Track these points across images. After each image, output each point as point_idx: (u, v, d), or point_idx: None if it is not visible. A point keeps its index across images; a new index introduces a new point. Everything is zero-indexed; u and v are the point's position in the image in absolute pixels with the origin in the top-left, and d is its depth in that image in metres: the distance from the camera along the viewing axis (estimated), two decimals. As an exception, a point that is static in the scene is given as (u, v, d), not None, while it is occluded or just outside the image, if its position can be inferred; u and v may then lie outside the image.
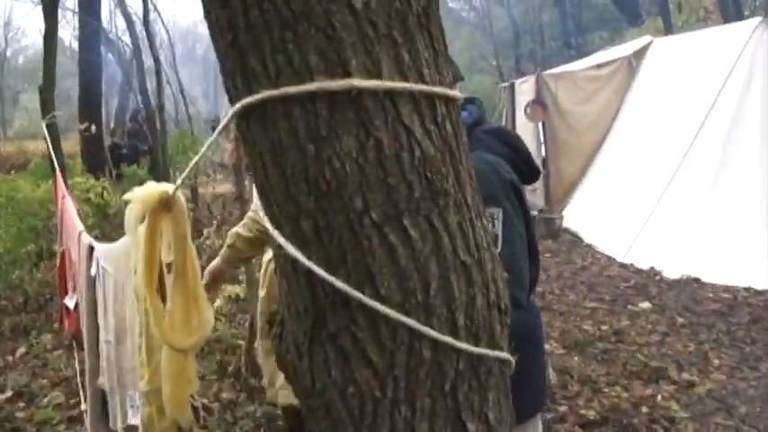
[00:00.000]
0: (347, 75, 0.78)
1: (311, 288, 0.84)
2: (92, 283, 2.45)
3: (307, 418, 0.95)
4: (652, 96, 7.61)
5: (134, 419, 1.62)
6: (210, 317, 1.27)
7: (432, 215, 0.83)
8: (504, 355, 0.92)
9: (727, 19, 10.81)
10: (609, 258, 6.75)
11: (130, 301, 1.59)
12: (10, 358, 4.74)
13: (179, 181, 1.20)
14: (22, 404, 4.04)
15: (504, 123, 10.09)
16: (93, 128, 7.23)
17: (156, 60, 5.66)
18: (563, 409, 3.59)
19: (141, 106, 7.28)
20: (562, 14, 18.87)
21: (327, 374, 0.87)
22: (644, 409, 3.64)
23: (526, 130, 9.06)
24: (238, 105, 0.82)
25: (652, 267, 6.28)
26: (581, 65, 9.00)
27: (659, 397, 3.80)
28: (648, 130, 7.40)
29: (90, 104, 8.10)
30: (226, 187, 11.58)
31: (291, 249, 0.82)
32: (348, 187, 0.80)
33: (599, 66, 8.42)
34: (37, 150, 14.60)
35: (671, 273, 6.10)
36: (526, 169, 1.95)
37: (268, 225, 0.85)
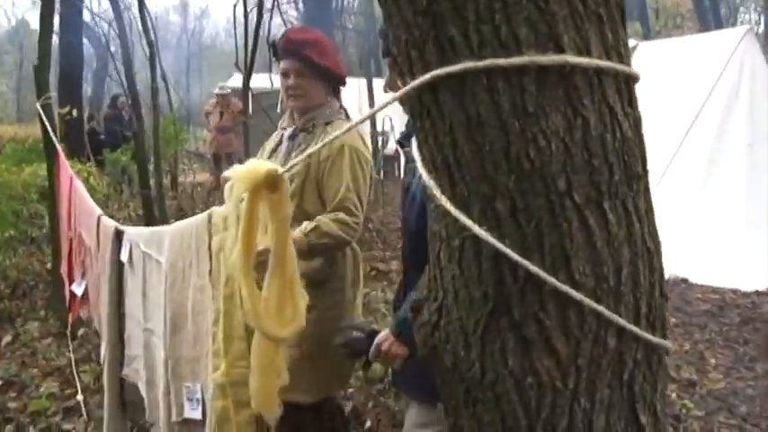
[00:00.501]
0: (559, 50, 0.74)
1: (498, 273, 0.80)
2: (117, 269, 2.36)
3: (455, 410, 0.91)
4: (638, 99, 7.69)
5: (192, 413, 1.54)
6: (304, 307, 1.21)
7: (626, 199, 0.80)
8: (671, 345, 0.90)
9: (705, 26, 11.01)
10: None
11: (193, 287, 1.52)
12: (-3, 346, 4.57)
13: (292, 162, 1.15)
14: (12, 394, 3.89)
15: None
16: (75, 112, 7.01)
17: (151, 44, 5.50)
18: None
19: (127, 92, 7.08)
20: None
21: (503, 364, 0.83)
22: (648, 407, 3.67)
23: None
24: (428, 75, 0.78)
25: (640, 267, 6.35)
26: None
27: (662, 395, 3.83)
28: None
29: (70, 88, 7.86)
30: (204, 176, 11.41)
31: (480, 231, 0.78)
32: (552, 167, 0.76)
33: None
34: (5, 134, 14.18)
35: (658, 273, 6.18)
36: None
37: (448, 205, 0.80)
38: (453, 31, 0.75)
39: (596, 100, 0.76)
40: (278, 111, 11.39)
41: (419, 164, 0.86)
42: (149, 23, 5.63)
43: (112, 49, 12.70)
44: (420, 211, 1.95)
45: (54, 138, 3.84)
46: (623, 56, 0.79)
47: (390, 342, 1.68)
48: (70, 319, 3.34)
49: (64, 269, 3.56)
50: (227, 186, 1.17)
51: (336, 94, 2.55)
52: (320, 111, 2.45)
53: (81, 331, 4.26)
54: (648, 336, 0.83)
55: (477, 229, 0.78)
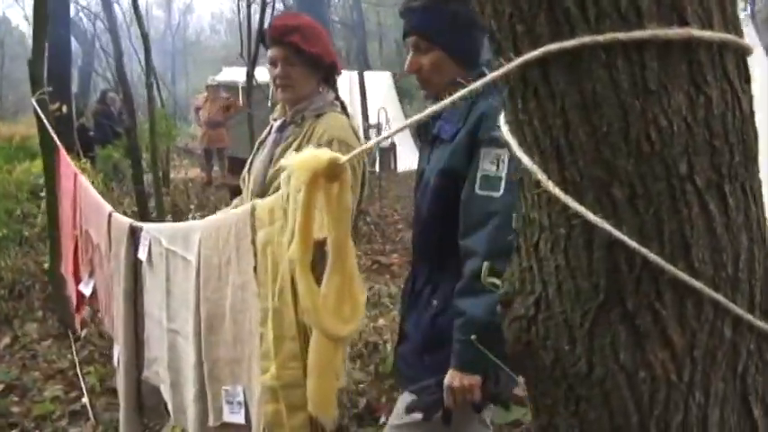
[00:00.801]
0: (683, 23, 0.69)
1: (612, 262, 0.75)
2: (132, 267, 2.29)
3: (550, 409, 0.87)
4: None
5: (233, 416, 1.48)
6: (363, 304, 1.16)
7: (745, 182, 0.76)
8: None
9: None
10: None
11: (232, 285, 1.46)
12: (-6, 349, 4.47)
13: (356, 151, 1.10)
14: (15, 398, 3.81)
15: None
16: (65, 108, 6.88)
17: (145, 38, 5.38)
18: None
19: (118, 87, 6.96)
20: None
21: (614, 358, 0.78)
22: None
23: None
24: (538, 51, 0.73)
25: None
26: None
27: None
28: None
29: (59, 84, 7.70)
30: (195, 172, 11.29)
31: (595, 218, 0.73)
32: (674, 149, 0.71)
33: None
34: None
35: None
36: None
37: (557, 192, 0.76)
38: (569, 3, 0.70)
39: (718, 76, 0.72)
40: (269, 104, 11.29)
41: (515, 147, 0.81)
42: (142, 17, 5.52)
43: (97, 44, 12.53)
44: (432, 198, 1.92)
45: (54, 134, 3.74)
46: (739, 29, 0.75)
47: (459, 378, 1.66)
48: (77, 320, 3.26)
49: (68, 269, 3.47)
50: (283, 176, 1.11)
51: (331, 84, 2.46)
52: (310, 102, 2.37)
53: (84, 332, 4.17)
54: (763, 325, 0.79)
55: (591, 216, 0.74)
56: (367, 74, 10.70)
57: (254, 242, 1.35)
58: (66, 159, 3.44)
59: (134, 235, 2.29)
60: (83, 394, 3.75)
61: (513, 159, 1.70)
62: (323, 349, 1.17)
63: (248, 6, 6.96)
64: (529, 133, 0.79)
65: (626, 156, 0.72)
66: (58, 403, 3.71)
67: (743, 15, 6.47)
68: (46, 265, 5.43)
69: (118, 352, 2.49)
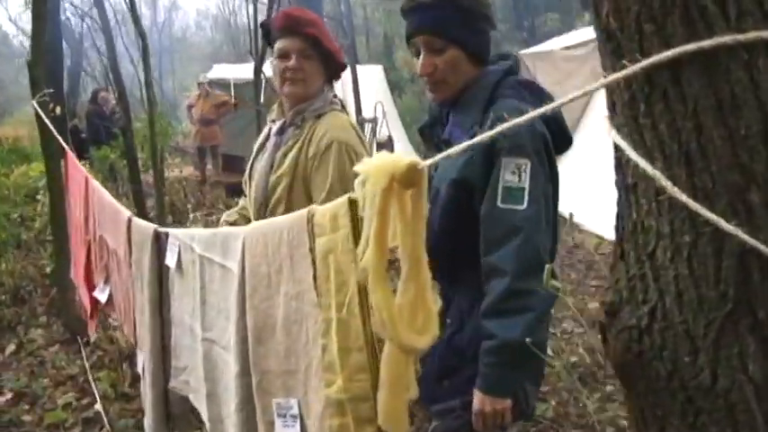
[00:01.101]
0: (830, 19, 0.66)
1: (743, 271, 0.72)
2: (157, 274, 2.24)
3: (662, 420, 0.84)
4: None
5: (286, 430, 1.44)
6: (436, 315, 1.12)
7: None
8: None
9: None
10: (598, 237, 6.81)
11: (284, 294, 1.41)
12: (0, 357, 4.40)
13: (438, 157, 1.06)
14: (25, 406, 3.74)
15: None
16: (59, 109, 6.78)
17: (143, 36, 5.29)
18: (609, 389, 3.57)
19: (113, 86, 6.86)
20: (514, -4, 19.02)
21: (741, 370, 0.75)
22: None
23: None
24: (670, 52, 0.69)
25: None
26: (555, 45, 9.03)
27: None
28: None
29: (52, 85, 7.56)
30: (188, 171, 11.19)
31: (728, 226, 0.70)
32: (817, 152, 0.68)
33: (575, 46, 8.47)
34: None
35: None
36: (558, 132, 1.80)
37: (684, 198, 0.72)
38: (707, 1, 0.66)
39: None
40: (261, 101, 11.19)
41: (630, 152, 0.77)
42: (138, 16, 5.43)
43: (87, 44, 12.36)
44: (443, 211, 1.78)
45: (60, 138, 3.67)
46: None
47: (491, 403, 1.62)
48: (90, 327, 3.20)
49: (78, 274, 3.41)
50: (357, 181, 1.07)
51: (332, 84, 2.38)
52: (310, 103, 2.28)
53: (93, 337, 4.10)
54: None
55: (724, 224, 0.70)
56: (359, 68, 10.61)
57: (311, 250, 1.30)
58: (74, 163, 3.37)
59: (158, 241, 2.24)
60: (95, 401, 3.70)
61: (538, 169, 1.65)
62: (395, 362, 1.13)
63: (254, 1, 6.86)
64: (651, 137, 0.75)
65: (765, 159, 0.68)
66: (70, 411, 3.65)
67: None
68: (48, 270, 5.36)
69: (143, 360, 2.44)
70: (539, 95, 1.82)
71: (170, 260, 2.09)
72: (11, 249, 5.63)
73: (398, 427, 1.16)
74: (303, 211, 1.34)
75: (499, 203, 1.62)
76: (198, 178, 10.44)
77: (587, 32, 8.89)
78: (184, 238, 1.99)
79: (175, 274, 2.08)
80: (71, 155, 3.46)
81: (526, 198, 1.62)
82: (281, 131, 2.33)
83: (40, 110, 4.04)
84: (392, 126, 9.61)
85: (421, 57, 1.80)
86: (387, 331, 1.08)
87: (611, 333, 0.86)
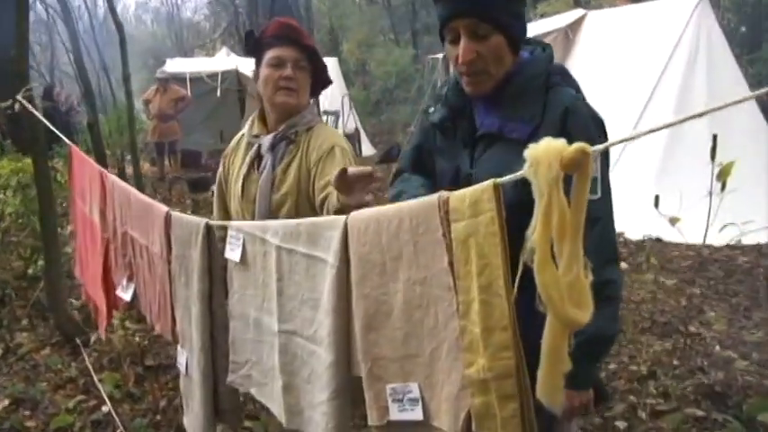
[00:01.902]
0: None
1: None
2: (208, 269, 2.22)
3: None
4: (591, 68, 7.91)
5: (407, 414, 1.45)
6: (590, 290, 1.17)
7: None
8: None
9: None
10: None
11: (405, 281, 1.43)
12: (-13, 361, 4.22)
13: (603, 145, 1.11)
14: (26, 412, 3.61)
15: (437, 96, 10.16)
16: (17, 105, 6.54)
17: (120, 27, 5.12)
18: (612, 366, 3.70)
19: (78, 80, 6.63)
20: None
21: None
22: (675, 362, 3.83)
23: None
24: None
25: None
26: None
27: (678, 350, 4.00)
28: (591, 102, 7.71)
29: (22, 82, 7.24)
30: (145, 167, 10.91)
31: None
32: None
33: (536, 37, 8.63)
34: None
35: (633, 234, 6.42)
36: None
37: None
38: None
39: None
40: (218, 94, 10.99)
41: None
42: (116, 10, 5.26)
43: (32, 37, 11.84)
44: (510, 203, 1.53)
45: (58, 132, 3.56)
46: None
47: (578, 397, 1.64)
48: (103, 327, 3.11)
49: (86, 273, 3.31)
50: (528, 168, 1.10)
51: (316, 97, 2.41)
52: (302, 116, 2.29)
53: (93, 337, 4.00)
54: None
55: None
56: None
57: (444, 235, 1.33)
58: (83, 158, 3.26)
59: (209, 233, 2.21)
60: (100, 403, 3.61)
61: (604, 158, 1.64)
62: (556, 336, 1.18)
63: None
64: None
65: None
66: (76, 414, 3.55)
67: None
68: (25, 271, 5.17)
69: (186, 357, 2.40)
70: (574, 82, 1.81)
71: (231, 253, 2.07)
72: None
73: (555, 398, 1.21)
74: (432, 198, 1.36)
75: None
76: (156, 174, 10.20)
77: (550, 23, 9.11)
78: (252, 230, 1.98)
79: (238, 267, 2.06)
80: (77, 150, 3.35)
81: (599, 188, 1.62)
82: (272, 147, 2.29)
83: (28, 105, 3.91)
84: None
85: (462, 42, 1.62)
86: (555, 309, 1.12)
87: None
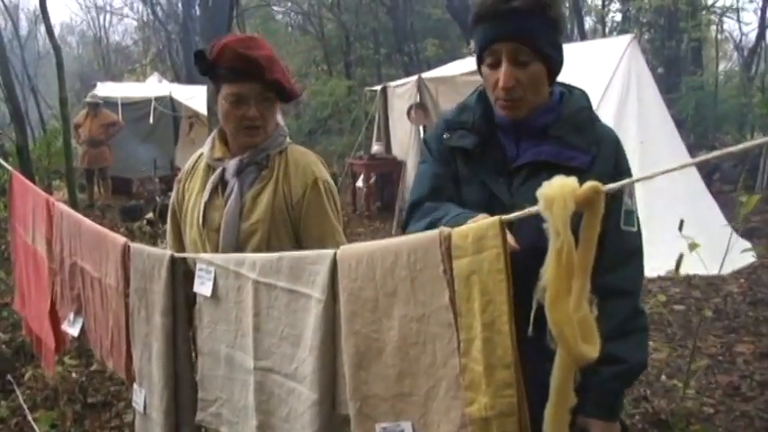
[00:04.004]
0: None
1: None
2: (172, 303, 2.13)
3: None
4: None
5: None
6: (595, 325, 1.20)
7: None
8: None
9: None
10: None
11: (401, 317, 1.40)
12: None
13: (617, 185, 1.13)
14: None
15: (376, 127, 10.24)
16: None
17: (57, 49, 4.91)
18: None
19: (7, 103, 6.34)
20: (395, 21, 19.52)
21: None
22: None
23: (404, 133, 9.29)
24: None
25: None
26: (456, 70, 9.39)
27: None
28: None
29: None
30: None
31: None
32: None
33: (475, 71, 8.82)
34: None
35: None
36: None
37: None
38: None
39: None
40: (150, 121, 10.74)
41: None
42: (50, 26, 5.06)
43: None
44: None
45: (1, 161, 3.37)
46: None
47: (610, 428, 1.63)
48: (51, 362, 2.93)
49: (28, 306, 3.13)
50: (543, 205, 1.12)
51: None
52: (272, 139, 2.16)
53: (28, 374, 3.77)
54: None
55: None
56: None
57: (445, 272, 1.32)
58: (25, 184, 3.10)
59: (174, 266, 2.13)
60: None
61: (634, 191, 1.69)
62: (566, 372, 1.19)
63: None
64: None
65: None
66: (3, 457, 3.32)
67: (630, 37, 7.08)
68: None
69: (144, 396, 2.29)
70: None
71: (201, 288, 1.99)
72: None
73: None
74: (432, 234, 1.35)
75: (622, 226, 1.62)
76: (85, 201, 9.81)
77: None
78: (225, 264, 1.91)
79: (209, 302, 1.98)
80: (20, 177, 3.18)
81: (635, 220, 1.65)
82: (238, 172, 2.15)
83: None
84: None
85: (503, 67, 1.60)
86: (567, 345, 1.13)
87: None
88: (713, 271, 5.48)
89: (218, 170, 2.17)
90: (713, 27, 17.98)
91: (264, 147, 2.14)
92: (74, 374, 4.01)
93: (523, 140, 1.74)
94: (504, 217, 1.24)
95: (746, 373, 4.29)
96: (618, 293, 1.63)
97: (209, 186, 2.18)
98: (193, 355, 2.17)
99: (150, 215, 8.01)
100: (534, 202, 1.76)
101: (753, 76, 15.93)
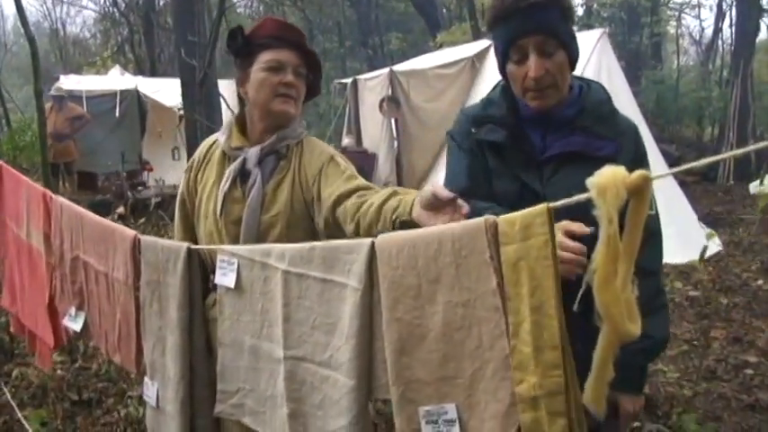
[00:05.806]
0: None
1: None
2: (188, 295, 2.14)
3: None
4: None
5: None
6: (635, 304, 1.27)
7: None
8: None
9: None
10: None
11: (445, 303, 1.45)
12: None
13: (666, 173, 1.19)
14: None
15: (346, 120, 10.25)
16: None
17: (32, 41, 4.79)
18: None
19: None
20: (359, 15, 19.50)
21: None
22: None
23: (375, 126, 9.32)
24: None
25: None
26: (427, 63, 9.46)
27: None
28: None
29: None
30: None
31: None
32: None
33: (446, 65, 8.93)
34: None
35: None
36: None
37: None
38: None
39: None
40: (116, 115, 10.56)
41: None
42: (24, 18, 4.94)
43: None
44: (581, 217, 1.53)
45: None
46: None
47: (639, 403, 1.74)
48: (45, 359, 2.89)
49: (19, 301, 3.08)
50: (595, 193, 1.17)
51: None
52: (293, 129, 2.14)
53: (15, 372, 3.71)
54: None
55: None
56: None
57: (492, 257, 1.37)
58: (17, 177, 3.03)
59: (191, 258, 2.13)
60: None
61: None
62: (609, 349, 1.26)
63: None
64: None
65: None
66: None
67: (600, 31, 7.23)
68: None
69: (157, 389, 2.29)
70: None
71: (223, 279, 2.00)
72: None
73: (601, 404, 1.30)
74: (478, 221, 1.39)
75: None
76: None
77: (457, 52, 9.44)
78: (250, 255, 1.92)
79: (231, 293, 1.99)
80: (8, 169, 3.10)
81: (654, 204, 1.71)
82: (259, 162, 2.11)
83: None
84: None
85: (532, 59, 1.69)
86: (615, 325, 1.21)
87: None
88: (684, 259, 5.68)
89: (239, 159, 2.13)
90: (673, 23, 18.43)
91: (284, 136, 2.12)
92: (59, 371, 3.96)
93: (550, 133, 1.81)
94: (552, 204, 1.30)
95: (721, 357, 4.47)
96: (643, 273, 1.67)
97: (229, 176, 2.13)
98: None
99: (121, 210, 7.89)
100: (568, 191, 1.82)
101: (710, 71, 16.41)
